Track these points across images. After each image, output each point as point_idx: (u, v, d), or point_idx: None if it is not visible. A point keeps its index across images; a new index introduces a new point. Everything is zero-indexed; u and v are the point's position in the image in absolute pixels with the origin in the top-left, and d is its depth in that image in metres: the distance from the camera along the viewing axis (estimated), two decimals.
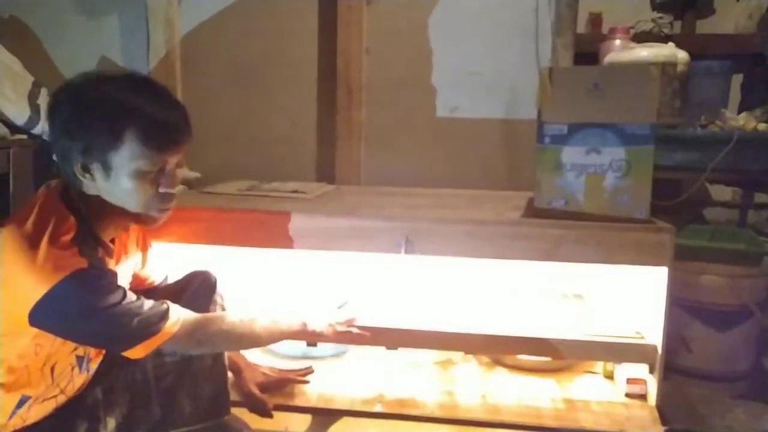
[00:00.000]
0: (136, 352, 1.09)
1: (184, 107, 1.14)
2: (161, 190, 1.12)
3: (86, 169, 1.08)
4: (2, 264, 1.01)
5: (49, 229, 1.03)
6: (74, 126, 1.06)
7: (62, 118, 1.07)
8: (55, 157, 1.11)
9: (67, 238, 1.04)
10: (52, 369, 1.12)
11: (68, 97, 1.08)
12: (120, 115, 1.06)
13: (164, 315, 1.11)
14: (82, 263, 1.03)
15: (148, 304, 1.10)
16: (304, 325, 1.36)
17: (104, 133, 1.05)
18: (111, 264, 1.18)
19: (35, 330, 1.03)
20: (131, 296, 1.09)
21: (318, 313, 1.42)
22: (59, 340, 1.09)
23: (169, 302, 1.14)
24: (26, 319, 1.01)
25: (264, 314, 1.31)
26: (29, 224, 1.04)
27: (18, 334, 1.04)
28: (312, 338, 1.43)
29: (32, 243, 1.01)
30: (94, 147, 1.06)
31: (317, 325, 1.38)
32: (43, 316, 1.01)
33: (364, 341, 1.49)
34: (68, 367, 1.15)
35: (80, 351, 1.16)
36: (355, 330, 1.46)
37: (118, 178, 1.08)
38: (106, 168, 1.07)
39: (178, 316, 1.14)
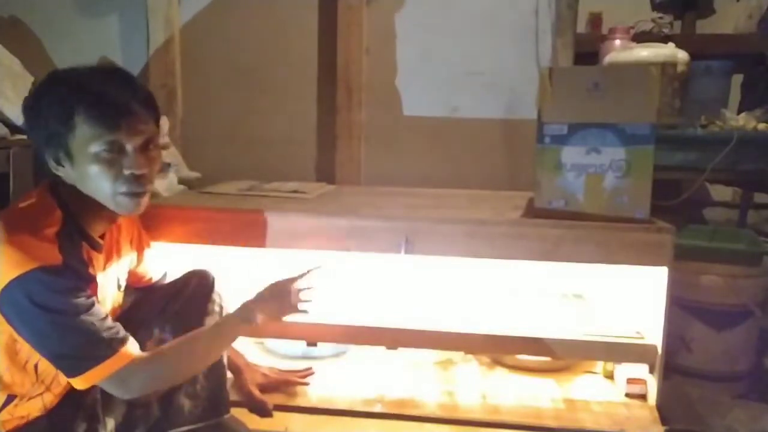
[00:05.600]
0: (80, 380, 1.06)
1: (145, 90, 1.14)
2: (125, 171, 1.09)
3: (57, 161, 1.09)
4: None
5: (34, 219, 1.06)
6: (33, 115, 1.09)
7: (25, 112, 1.11)
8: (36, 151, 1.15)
9: (51, 231, 1.05)
10: (36, 366, 1.12)
11: (32, 92, 1.11)
12: (68, 96, 1.06)
13: (122, 341, 1.08)
14: (57, 259, 1.03)
15: (109, 325, 1.07)
16: (242, 320, 1.27)
17: (55, 115, 1.06)
18: (99, 260, 1.19)
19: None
20: (98, 312, 1.07)
21: (257, 299, 1.32)
22: None
23: (131, 338, 1.11)
24: None
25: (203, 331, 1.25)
26: (17, 213, 1.08)
27: None
28: (257, 330, 1.32)
29: (15, 232, 1.03)
30: (52, 135, 1.07)
31: (252, 314, 1.27)
32: (6, 302, 1.02)
33: (378, 342, 1.48)
34: (52, 365, 1.15)
35: None
36: (303, 308, 1.37)
37: (82, 165, 1.08)
38: (68, 155, 1.08)
39: (133, 350, 1.10)
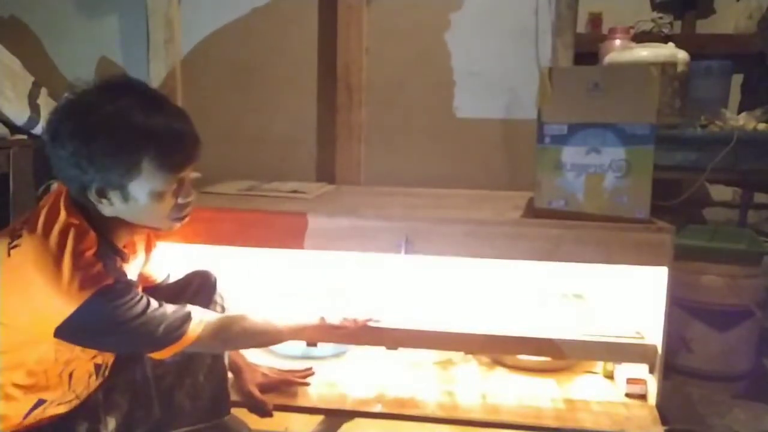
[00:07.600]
0: (161, 354, 1.12)
1: (186, 114, 1.14)
2: (180, 201, 1.14)
3: (102, 195, 1.07)
4: (25, 278, 1.00)
5: (72, 244, 1.03)
6: (85, 161, 1.03)
7: (69, 150, 1.03)
8: (60, 179, 1.09)
9: (90, 253, 1.04)
10: (71, 375, 1.12)
11: (71, 123, 1.04)
12: (134, 144, 1.04)
13: (186, 319, 1.12)
14: (108, 279, 1.03)
15: (170, 309, 1.12)
16: (322, 319, 1.39)
17: (120, 165, 1.04)
18: (126, 268, 1.19)
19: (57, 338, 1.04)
20: (154, 304, 1.10)
21: (334, 309, 1.45)
22: (79, 347, 1.09)
23: (190, 306, 1.16)
24: (51, 332, 1.01)
25: (282, 314, 1.35)
26: (51, 239, 1.02)
27: (39, 342, 1.05)
28: (329, 334, 1.46)
29: (56, 259, 1.00)
30: (110, 178, 1.05)
31: (335, 318, 1.41)
32: (70, 331, 1.02)
33: (378, 342, 1.53)
34: (86, 375, 1.15)
35: (99, 359, 1.17)
36: (373, 324, 1.50)
37: (138, 201, 1.08)
38: (124, 194, 1.07)
39: (201, 318, 1.15)
